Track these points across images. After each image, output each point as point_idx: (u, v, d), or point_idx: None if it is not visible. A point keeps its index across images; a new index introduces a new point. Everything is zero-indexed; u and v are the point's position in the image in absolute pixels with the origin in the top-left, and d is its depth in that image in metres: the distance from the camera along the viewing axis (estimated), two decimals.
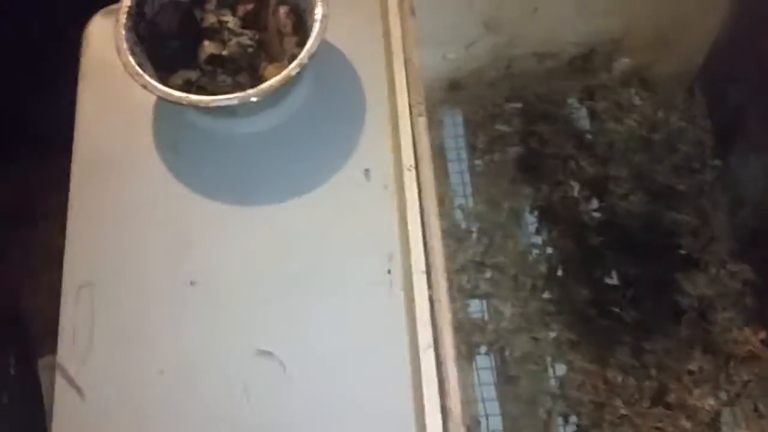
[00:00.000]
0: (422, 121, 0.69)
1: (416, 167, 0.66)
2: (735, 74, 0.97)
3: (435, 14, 0.92)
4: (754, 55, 0.90)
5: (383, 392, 0.59)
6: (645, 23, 0.97)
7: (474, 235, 0.99)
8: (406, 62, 0.71)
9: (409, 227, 0.63)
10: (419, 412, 0.57)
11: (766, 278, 0.93)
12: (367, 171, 0.67)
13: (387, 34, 0.73)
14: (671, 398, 0.89)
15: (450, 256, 0.97)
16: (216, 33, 1.08)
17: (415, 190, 0.65)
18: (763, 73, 0.88)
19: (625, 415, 0.88)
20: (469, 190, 1.03)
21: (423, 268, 0.61)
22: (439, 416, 0.56)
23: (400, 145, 0.67)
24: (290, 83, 0.87)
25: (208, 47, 1.07)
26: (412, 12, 0.74)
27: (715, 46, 1.00)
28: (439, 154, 1.06)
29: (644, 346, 0.91)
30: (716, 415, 0.89)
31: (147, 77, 0.67)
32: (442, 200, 1.01)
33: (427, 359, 0.58)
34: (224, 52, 1.06)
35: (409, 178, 0.65)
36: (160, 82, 0.68)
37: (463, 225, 1.00)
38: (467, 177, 1.04)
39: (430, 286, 0.62)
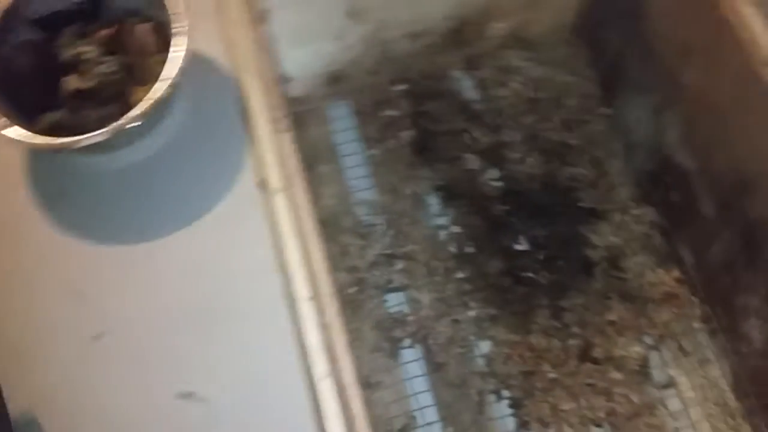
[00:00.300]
0: (287, 138, 0.67)
1: (286, 188, 0.64)
2: (608, 19, 0.97)
3: (297, 12, 0.90)
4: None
5: (288, 424, 0.58)
6: None
7: (380, 228, 0.98)
8: (261, 76, 0.69)
9: (287, 256, 0.61)
10: None
11: (670, 217, 0.93)
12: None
13: (232, 47, 0.71)
14: (597, 353, 0.89)
15: (359, 254, 0.96)
16: (77, 66, 1.04)
17: (286, 215, 0.63)
18: (634, 13, 0.88)
19: (555, 379, 0.88)
20: (368, 182, 1.02)
21: (308, 294, 0.60)
22: None
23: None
24: (159, 105, 0.84)
25: (71, 82, 1.03)
26: (262, 20, 0.72)
27: None
28: (332, 151, 1.04)
29: (562, 305, 0.92)
30: (644, 361, 0.90)
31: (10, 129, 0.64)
32: (342, 198, 1.00)
33: (324, 388, 0.57)
34: (87, 85, 1.03)
35: (279, 198, 0.64)
36: (27, 129, 0.65)
37: (368, 219, 0.99)
38: (365, 169, 1.03)
39: (319, 311, 0.61)
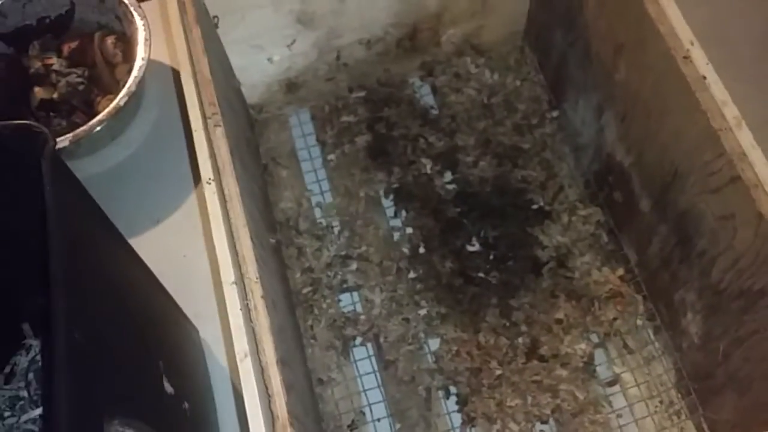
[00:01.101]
0: (219, 131, 0.69)
1: (217, 179, 0.66)
2: (552, 23, 0.99)
3: (246, 19, 0.92)
4: (563, 2, 0.92)
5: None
6: None
7: (335, 230, 1.00)
8: (195, 74, 0.71)
9: (215, 241, 0.63)
10: (243, 420, 0.58)
11: (615, 216, 0.95)
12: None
13: (171, 47, 0.73)
14: (544, 350, 0.90)
15: (314, 255, 0.98)
16: (44, 77, 1.08)
17: (217, 203, 0.65)
18: (574, 16, 0.90)
19: (502, 375, 0.89)
20: (325, 186, 1.04)
21: (232, 279, 0.62)
22: (261, 422, 0.57)
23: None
24: (118, 114, 0.86)
25: (38, 93, 1.06)
26: (197, 21, 0.74)
27: (532, 1, 1.02)
28: (291, 156, 1.06)
29: (511, 304, 0.93)
30: (589, 358, 0.91)
31: None
32: (299, 201, 1.02)
33: (244, 368, 0.59)
34: (54, 95, 1.06)
35: (210, 190, 0.66)
36: None
37: (324, 222, 1.01)
38: (322, 173, 1.05)
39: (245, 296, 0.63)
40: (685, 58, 0.69)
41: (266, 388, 0.59)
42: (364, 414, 0.90)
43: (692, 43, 0.69)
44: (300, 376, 0.80)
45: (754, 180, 0.64)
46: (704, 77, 0.68)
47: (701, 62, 0.68)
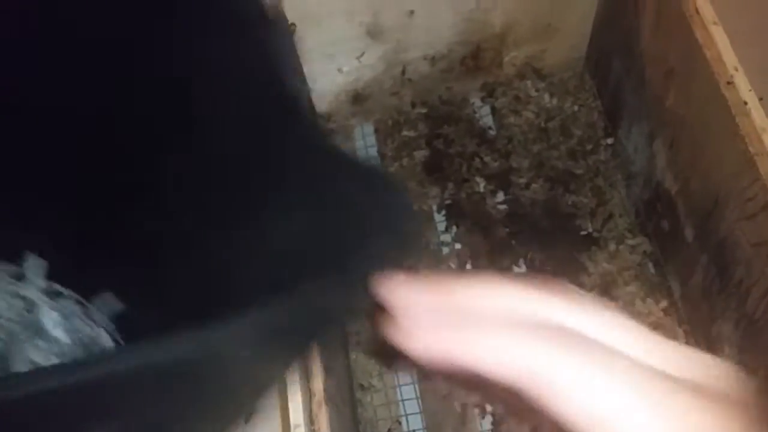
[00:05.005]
0: None
1: None
2: (612, 50, 0.99)
3: (319, 29, 0.96)
4: (622, 29, 0.93)
5: None
6: (522, 15, 1.00)
7: None
8: None
9: None
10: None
11: (662, 246, 0.94)
12: None
13: None
14: None
15: None
16: None
17: None
18: (630, 43, 0.90)
19: None
20: None
21: None
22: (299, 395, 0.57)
23: None
24: None
25: None
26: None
27: (594, 27, 1.02)
28: None
29: None
30: None
31: None
32: None
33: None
34: None
35: None
36: None
37: None
38: None
39: None
40: (729, 83, 0.68)
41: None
42: (400, 423, 0.91)
43: (736, 69, 0.69)
44: (341, 378, 0.81)
45: None
46: (745, 102, 0.67)
47: (744, 88, 0.68)
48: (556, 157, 1.04)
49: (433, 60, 1.05)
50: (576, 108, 1.07)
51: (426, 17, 0.98)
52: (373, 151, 1.11)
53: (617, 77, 0.97)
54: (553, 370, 0.30)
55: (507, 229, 1.01)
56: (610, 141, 1.03)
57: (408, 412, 0.92)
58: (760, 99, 0.71)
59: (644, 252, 0.96)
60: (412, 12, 0.98)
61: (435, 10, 0.98)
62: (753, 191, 0.66)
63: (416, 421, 0.92)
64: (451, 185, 1.05)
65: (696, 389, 0.30)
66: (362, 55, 1.02)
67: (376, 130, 1.12)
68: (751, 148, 0.65)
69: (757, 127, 0.66)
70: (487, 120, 1.10)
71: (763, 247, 0.67)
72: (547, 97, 1.08)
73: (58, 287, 0.54)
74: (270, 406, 0.60)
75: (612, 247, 0.97)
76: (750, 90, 0.68)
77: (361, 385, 0.92)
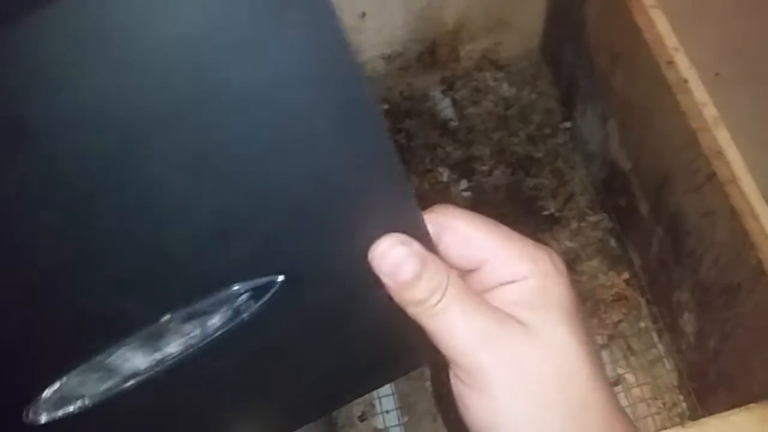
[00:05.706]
0: None
1: None
2: (563, 40, 1.03)
3: None
4: (571, 19, 0.97)
5: None
6: (473, 11, 1.04)
7: None
8: None
9: None
10: None
11: (621, 221, 0.98)
12: None
13: None
14: None
15: None
16: None
17: None
18: (580, 30, 0.94)
19: None
20: None
21: None
22: None
23: None
24: None
25: None
26: None
27: (546, 19, 1.06)
28: None
29: None
30: None
31: None
32: None
33: None
34: None
35: None
36: None
37: None
38: None
39: None
40: (669, 63, 0.72)
41: None
42: (373, 406, 0.94)
43: (677, 49, 0.73)
44: None
45: (728, 176, 0.67)
46: (686, 80, 0.71)
47: (684, 66, 0.72)
48: (516, 143, 1.08)
49: (389, 58, 1.09)
50: (534, 96, 1.10)
51: (378, 18, 1.02)
52: None
53: (570, 64, 1.01)
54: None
55: None
56: (567, 125, 1.07)
57: (381, 394, 0.95)
58: (717, 74, 0.76)
59: (605, 228, 1.00)
60: (364, 14, 1.01)
61: (387, 10, 1.01)
62: (697, 165, 0.70)
63: (389, 402, 0.94)
64: (414, 177, 1.08)
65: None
66: None
67: None
68: (693, 124, 0.69)
69: (697, 102, 0.70)
70: (448, 112, 1.14)
71: (710, 217, 0.71)
72: (505, 86, 1.12)
73: None
74: None
75: (574, 225, 1.01)
76: (691, 68, 0.72)
77: None
